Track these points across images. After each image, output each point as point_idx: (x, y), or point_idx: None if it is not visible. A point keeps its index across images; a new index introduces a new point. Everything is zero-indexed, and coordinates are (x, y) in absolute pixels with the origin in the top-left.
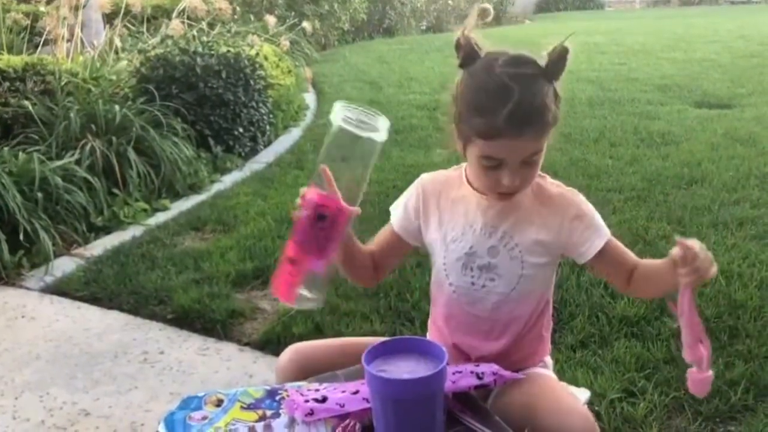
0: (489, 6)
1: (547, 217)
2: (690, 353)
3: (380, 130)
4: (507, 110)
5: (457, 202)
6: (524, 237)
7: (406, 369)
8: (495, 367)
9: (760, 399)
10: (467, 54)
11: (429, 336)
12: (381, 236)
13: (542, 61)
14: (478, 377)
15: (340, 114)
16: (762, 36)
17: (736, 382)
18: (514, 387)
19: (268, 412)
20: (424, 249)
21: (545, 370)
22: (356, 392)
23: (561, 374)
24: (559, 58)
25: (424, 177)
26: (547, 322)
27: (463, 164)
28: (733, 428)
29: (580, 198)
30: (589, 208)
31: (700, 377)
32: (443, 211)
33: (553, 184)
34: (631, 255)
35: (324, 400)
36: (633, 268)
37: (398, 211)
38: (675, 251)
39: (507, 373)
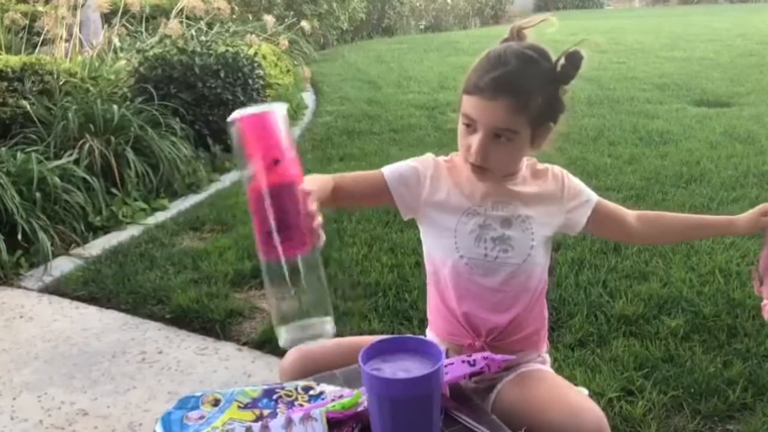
0: (555, 19)
1: (548, 188)
2: None
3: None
4: (494, 73)
5: (465, 180)
6: (534, 210)
7: (402, 368)
8: (486, 353)
9: (759, 398)
10: (508, 38)
11: (430, 314)
12: (361, 178)
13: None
14: (470, 365)
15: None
16: (761, 35)
17: (734, 381)
18: (519, 385)
19: (266, 412)
20: (400, 211)
21: (545, 367)
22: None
23: (559, 373)
24: (568, 61)
25: (432, 156)
26: (545, 301)
27: None
28: (731, 427)
29: (563, 169)
30: (572, 177)
31: None
32: (455, 184)
33: (537, 163)
34: (621, 208)
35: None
36: (632, 216)
37: (398, 166)
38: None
39: (498, 357)
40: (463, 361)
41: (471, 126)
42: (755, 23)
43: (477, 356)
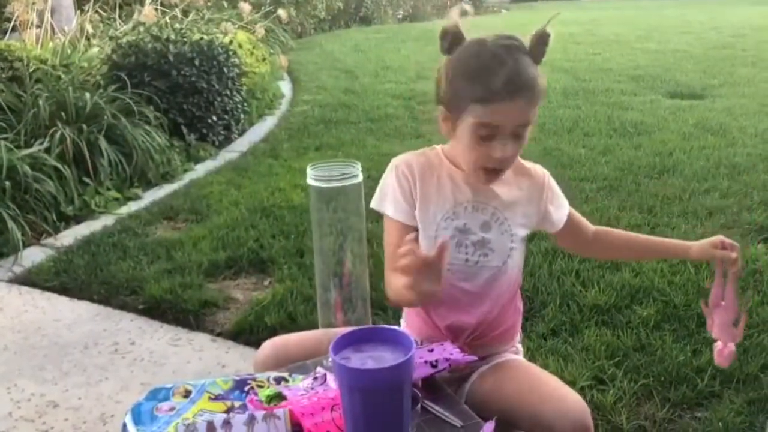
0: (468, 7)
1: (528, 189)
2: (722, 332)
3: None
4: (503, 74)
5: (444, 181)
6: (512, 211)
7: (373, 358)
8: (449, 351)
9: (726, 385)
10: (455, 38)
11: (407, 316)
12: (400, 237)
13: (526, 43)
14: (432, 366)
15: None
16: (734, 28)
17: (703, 369)
18: (494, 376)
19: (237, 404)
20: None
21: (519, 356)
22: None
23: (532, 362)
24: (540, 41)
25: (400, 160)
26: (520, 293)
27: (437, 146)
28: (700, 414)
29: (546, 171)
30: (553, 180)
31: (726, 350)
32: (430, 190)
33: (521, 161)
34: (585, 220)
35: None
36: (591, 230)
37: (395, 206)
38: (721, 252)
39: (459, 357)
40: (426, 362)
41: (490, 134)
42: (729, 16)
43: (439, 356)
